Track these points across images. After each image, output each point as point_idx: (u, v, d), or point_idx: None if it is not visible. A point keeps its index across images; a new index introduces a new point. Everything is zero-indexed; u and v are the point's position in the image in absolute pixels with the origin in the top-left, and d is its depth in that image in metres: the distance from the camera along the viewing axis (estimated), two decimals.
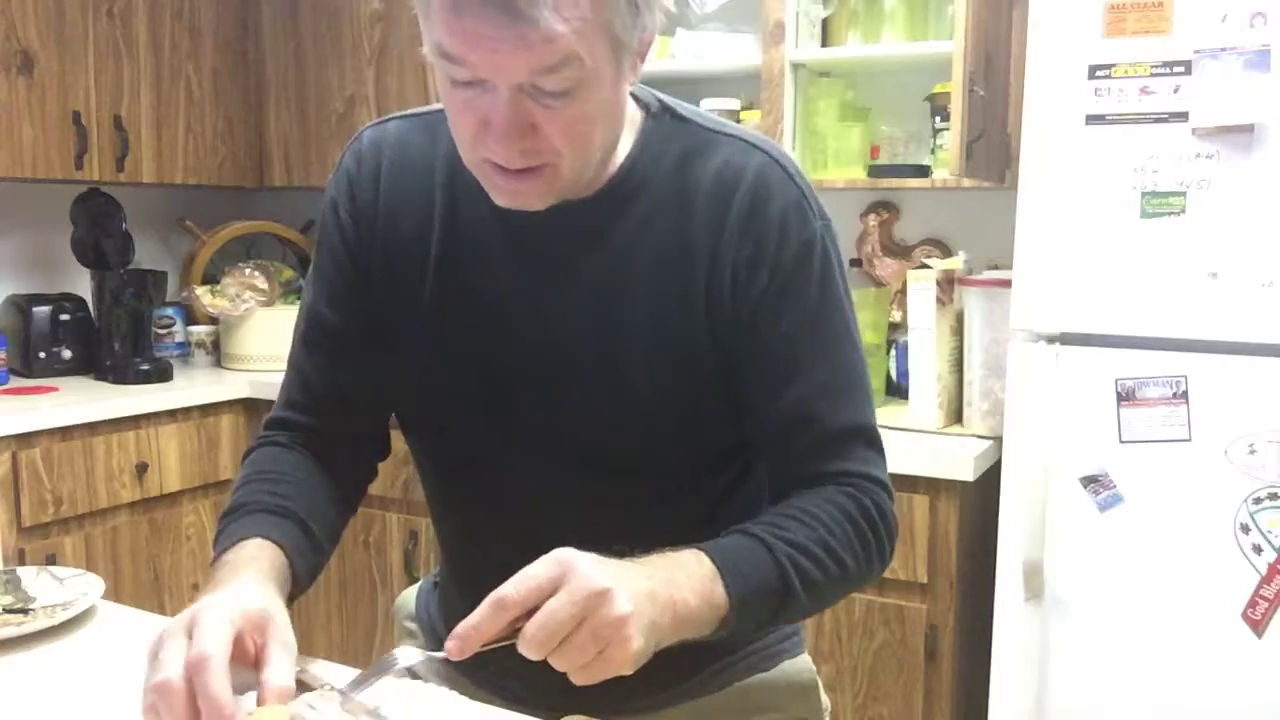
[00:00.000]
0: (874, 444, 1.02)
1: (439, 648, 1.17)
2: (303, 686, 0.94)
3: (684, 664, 1.09)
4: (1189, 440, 1.74)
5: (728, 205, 0.98)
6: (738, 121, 2.50)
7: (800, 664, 1.18)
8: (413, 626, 1.25)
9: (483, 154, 0.91)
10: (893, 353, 2.44)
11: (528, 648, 0.78)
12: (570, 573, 0.79)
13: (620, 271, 0.99)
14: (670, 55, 2.53)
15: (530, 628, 0.78)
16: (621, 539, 0.96)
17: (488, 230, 1.02)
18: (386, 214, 1.06)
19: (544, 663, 0.81)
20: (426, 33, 0.89)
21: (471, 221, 1.02)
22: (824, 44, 2.43)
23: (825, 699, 1.19)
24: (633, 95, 1.01)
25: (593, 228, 1.00)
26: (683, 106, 1.04)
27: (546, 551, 0.83)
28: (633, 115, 1.01)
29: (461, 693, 0.97)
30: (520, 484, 1.05)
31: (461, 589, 1.16)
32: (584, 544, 0.92)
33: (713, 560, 0.89)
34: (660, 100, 1.04)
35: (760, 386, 0.99)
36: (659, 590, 0.83)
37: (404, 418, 1.13)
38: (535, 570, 0.80)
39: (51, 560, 2.27)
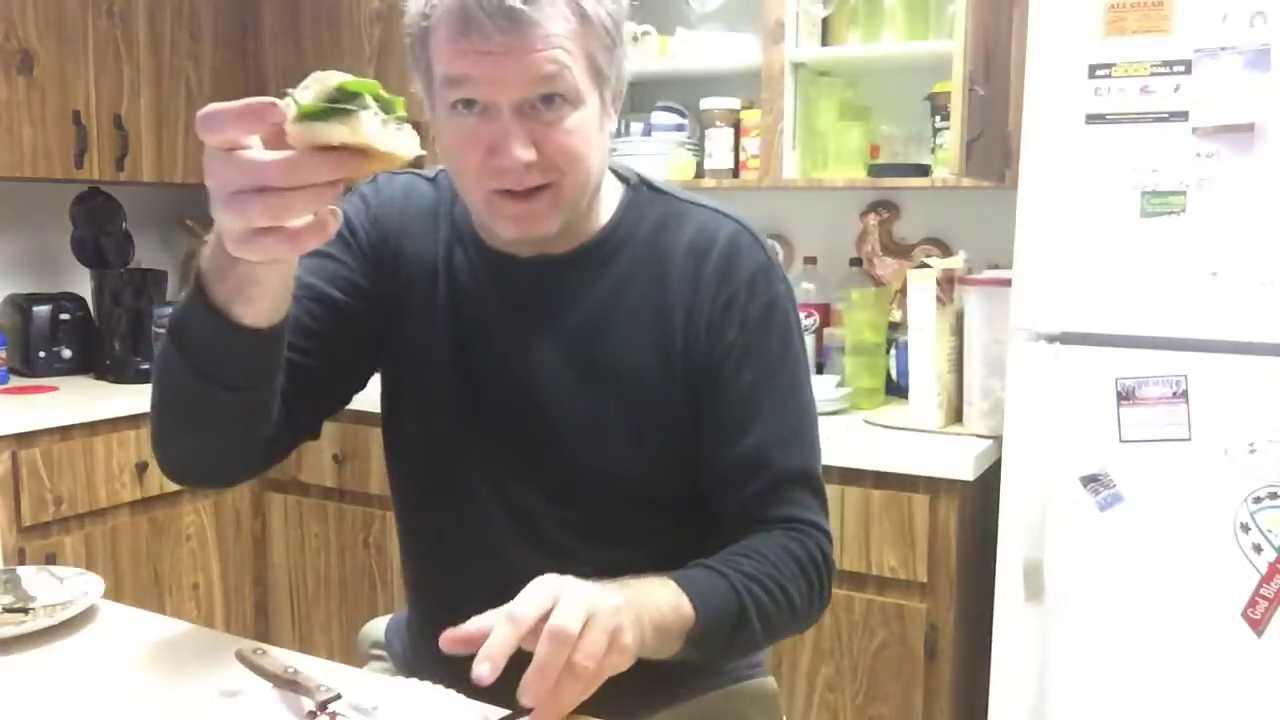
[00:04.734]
0: (818, 492, 1.10)
1: (412, 676, 1.18)
2: (296, 687, 0.95)
3: (651, 678, 1.11)
4: (1189, 440, 1.74)
5: (702, 266, 1.08)
6: (738, 120, 2.50)
7: (765, 683, 1.24)
8: (380, 653, 1.27)
9: (490, 184, 0.98)
10: (893, 352, 2.44)
11: (553, 640, 0.79)
12: (562, 586, 0.84)
13: (600, 324, 1.07)
14: (670, 55, 2.53)
15: (554, 622, 0.79)
16: (606, 570, 0.99)
17: (481, 281, 1.10)
18: (398, 245, 1.12)
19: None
20: (423, 72, 1.00)
21: (467, 272, 1.11)
22: (824, 43, 2.43)
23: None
24: (613, 170, 1.12)
25: (574, 283, 1.08)
26: (658, 180, 1.15)
27: (516, 590, 0.85)
28: (615, 186, 1.12)
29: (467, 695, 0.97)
30: (501, 521, 1.10)
31: (428, 630, 1.18)
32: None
33: (676, 581, 0.95)
34: (638, 175, 1.14)
35: (721, 431, 1.07)
36: (633, 597, 0.89)
37: (395, 455, 1.18)
38: (534, 589, 0.83)
39: (51, 559, 2.27)
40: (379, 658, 1.28)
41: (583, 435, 1.07)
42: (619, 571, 0.95)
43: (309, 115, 0.72)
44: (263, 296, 0.86)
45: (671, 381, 1.07)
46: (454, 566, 1.15)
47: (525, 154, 0.95)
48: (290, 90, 0.74)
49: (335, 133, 0.72)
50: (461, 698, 0.97)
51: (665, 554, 1.05)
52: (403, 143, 0.75)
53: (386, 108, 0.75)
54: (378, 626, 1.33)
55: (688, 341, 1.07)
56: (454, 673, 1.10)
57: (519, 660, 0.94)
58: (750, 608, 0.98)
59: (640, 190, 1.13)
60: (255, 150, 0.73)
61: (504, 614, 0.80)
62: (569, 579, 0.85)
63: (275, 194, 0.72)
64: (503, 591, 0.83)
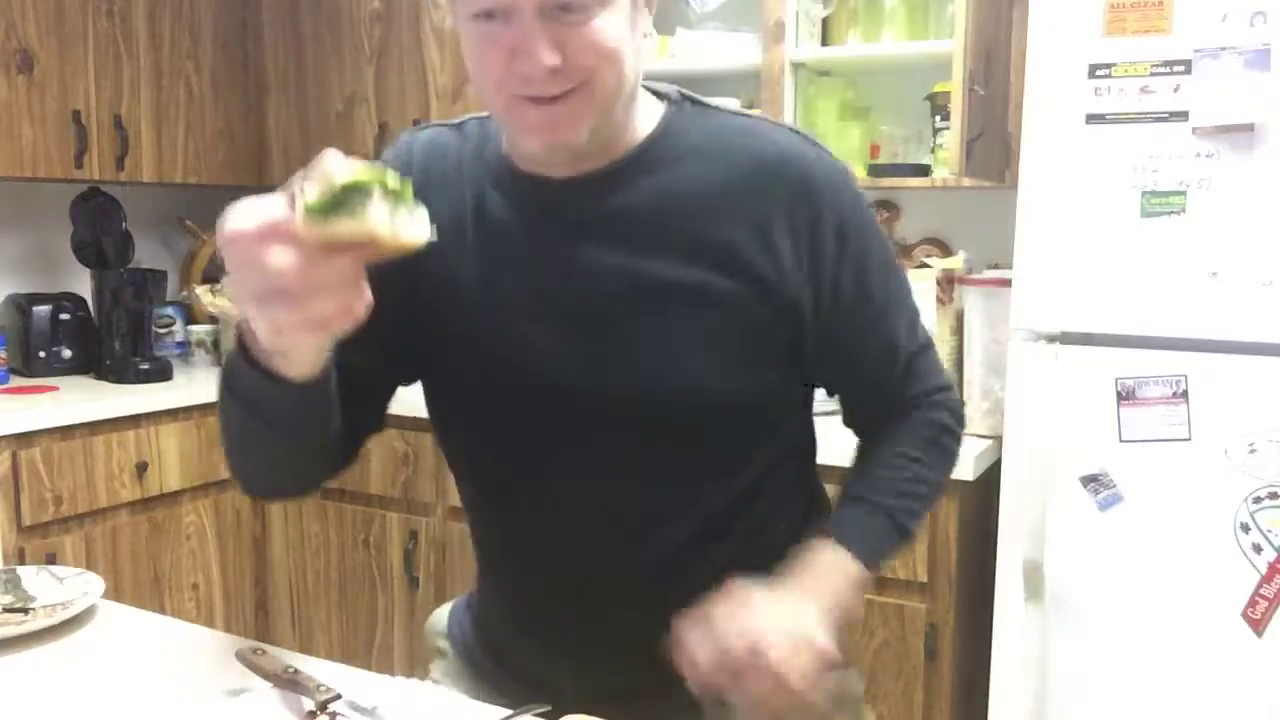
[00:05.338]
0: (933, 349, 1.16)
1: (472, 667, 1.20)
2: (296, 687, 0.95)
3: None
4: (1189, 440, 1.74)
5: (768, 178, 1.02)
6: None
7: (848, 676, 1.21)
8: (444, 645, 1.26)
9: (513, 89, 0.93)
10: None
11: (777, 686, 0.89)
12: (764, 624, 0.92)
13: (650, 230, 1.02)
14: (670, 55, 2.53)
15: (781, 673, 0.89)
16: (666, 515, 1.05)
17: (521, 212, 1.05)
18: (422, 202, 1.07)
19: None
20: None
21: (500, 206, 1.06)
22: (824, 43, 2.43)
23: (870, 715, 1.22)
24: (650, 89, 1.06)
25: (618, 197, 1.02)
26: (702, 97, 1.09)
27: (587, 531, 0.98)
28: (654, 103, 1.06)
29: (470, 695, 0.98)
30: (564, 459, 1.06)
31: (496, 593, 1.19)
32: (629, 527, 1.04)
33: (843, 543, 1.03)
34: (680, 91, 1.08)
35: (850, 333, 1.07)
36: (827, 605, 0.97)
37: (443, 414, 1.14)
38: (733, 630, 0.91)
39: (51, 560, 2.27)
40: (442, 651, 1.25)
41: (643, 351, 1.02)
42: (683, 503, 1.04)
43: (318, 212, 0.73)
44: (301, 358, 0.86)
45: (746, 294, 1.02)
46: (519, 521, 1.12)
47: (550, 58, 0.90)
48: (301, 183, 0.75)
49: (344, 227, 0.74)
50: (462, 697, 0.97)
51: (726, 487, 1.07)
52: (413, 228, 0.77)
53: (394, 194, 0.76)
54: (442, 616, 1.30)
55: (766, 251, 1.01)
56: (506, 653, 1.13)
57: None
58: (908, 522, 1.07)
59: (683, 105, 1.07)
60: (273, 258, 0.75)
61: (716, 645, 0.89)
62: (762, 601, 0.92)
63: (296, 295, 0.75)
64: (563, 546, 0.89)
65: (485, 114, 1.09)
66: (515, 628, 1.16)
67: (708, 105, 1.08)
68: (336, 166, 0.74)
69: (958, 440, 1.16)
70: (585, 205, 1.03)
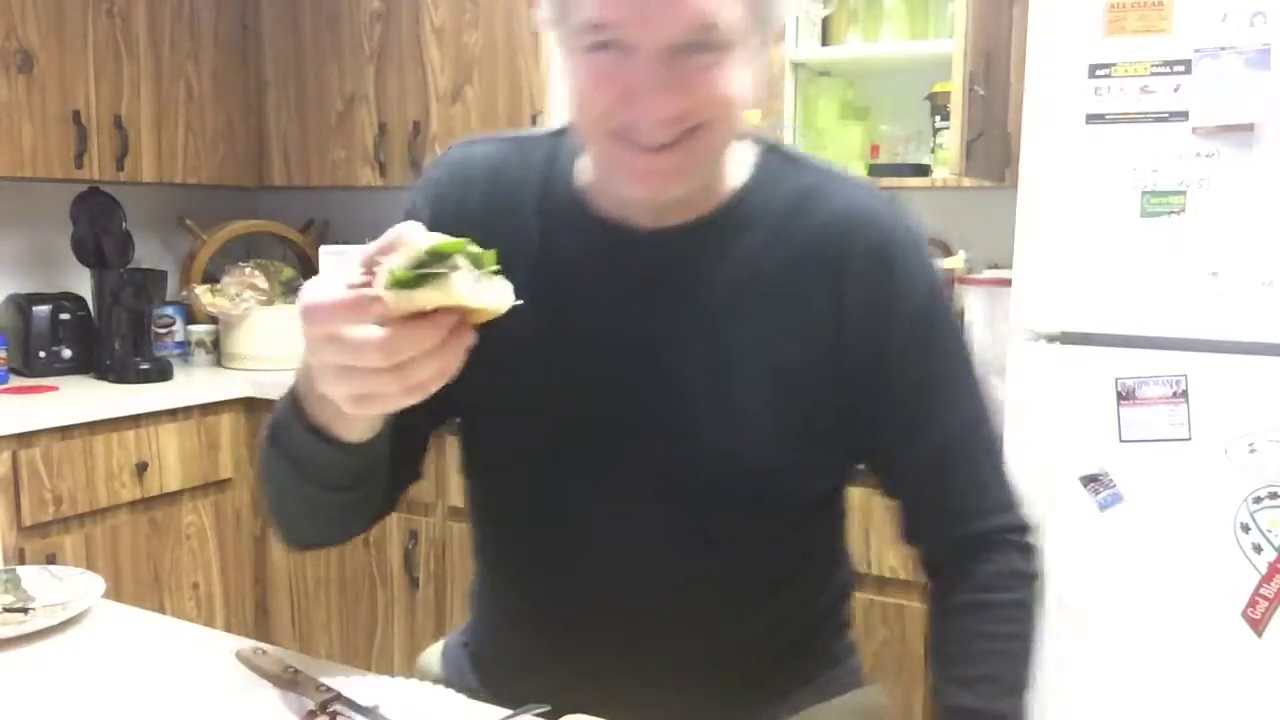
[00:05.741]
0: (1001, 458, 1.06)
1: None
2: (296, 687, 0.95)
3: (752, 695, 1.10)
4: (1189, 439, 1.74)
5: (850, 248, 0.98)
6: None
7: (869, 692, 1.22)
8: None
9: (616, 124, 0.87)
10: None
11: None
12: None
13: (733, 296, 0.97)
14: None
15: None
16: (705, 583, 1.00)
17: (589, 255, 0.99)
18: (474, 231, 1.03)
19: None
20: (557, 11, 0.88)
21: (571, 246, 1.00)
22: (824, 43, 2.43)
23: None
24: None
25: (703, 250, 0.98)
26: (790, 148, 1.05)
27: (620, 594, 0.95)
28: (746, 149, 1.01)
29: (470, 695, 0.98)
30: (604, 520, 1.01)
31: (508, 650, 1.14)
32: (665, 595, 0.98)
33: None
34: (768, 140, 1.04)
35: (906, 428, 1.01)
36: None
37: (477, 458, 1.09)
38: None
39: (51, 560, 2.27)
40: None
41: (707, 420, 0.97)
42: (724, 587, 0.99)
43: (404, 282, 0.72)
44: (365, 422, 0.84)
45: (811, 366, 0.97)
46: (547, 587, 1.07)
47: (669, 104, 0.85)
48: (382, 257, 0.74)
49: (429, 297, 0.72)
50: (461, 698, 0.97)
51: (771, 557, 1.03)
52: (496, 295, 0.75)
53: (477, 262, 0.75)
54: (433, 659, 1.24)
55: (838, 331, 0.97)
56: (517, 695, 1.04)
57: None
58: (1018, 707, 1.03)
59: (773, 156, 1.02)
60: (357, 331, 0.72)
61: None
62: None
63: (381, 366, 0.73)
64: (592, 607, 0.86)
65: (550, 131, 1.03)
66: (528, 681, 1.08)
67: (794, 157, 1.03)
68: (418, 237, 0.73)
69: (1036, 579, 1.07)
70: (667, 262, 0.97)
